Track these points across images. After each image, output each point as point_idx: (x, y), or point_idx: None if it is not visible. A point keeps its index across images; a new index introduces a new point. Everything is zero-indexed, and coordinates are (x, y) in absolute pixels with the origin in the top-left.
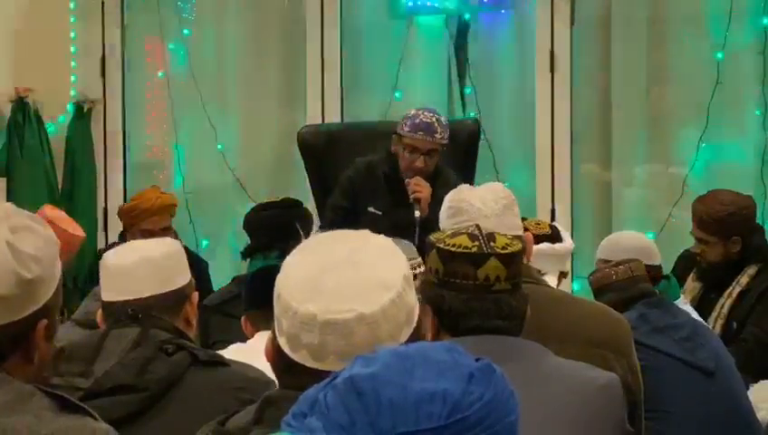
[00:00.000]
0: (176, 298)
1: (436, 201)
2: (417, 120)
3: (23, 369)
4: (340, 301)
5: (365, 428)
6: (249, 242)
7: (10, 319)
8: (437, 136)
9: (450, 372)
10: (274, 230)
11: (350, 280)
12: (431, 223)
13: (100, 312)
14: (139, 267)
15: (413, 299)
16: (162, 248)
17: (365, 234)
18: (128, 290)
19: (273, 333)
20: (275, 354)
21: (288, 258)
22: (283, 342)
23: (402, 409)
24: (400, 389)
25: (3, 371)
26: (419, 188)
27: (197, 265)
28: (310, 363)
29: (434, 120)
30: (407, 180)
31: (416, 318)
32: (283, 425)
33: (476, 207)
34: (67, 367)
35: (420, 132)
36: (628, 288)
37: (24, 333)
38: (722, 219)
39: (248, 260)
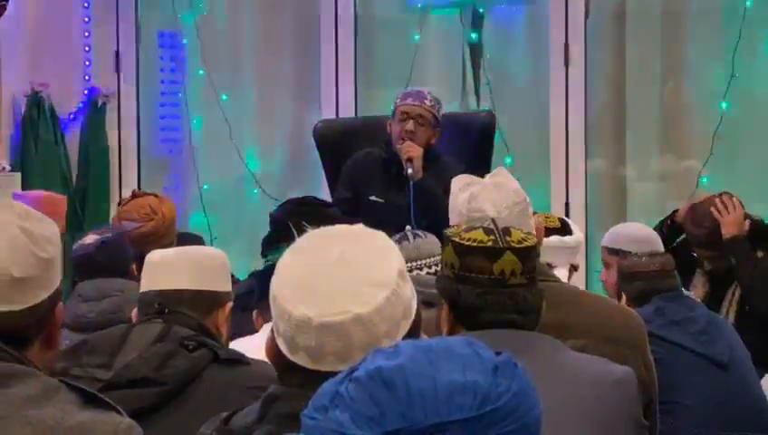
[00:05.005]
0: (208, 300)
1: (428, 181)
2: (408, 91)
3: (42, 356)
4: (335, 303)
5: (396, 418)
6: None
7: (33, 302)
8: (427, 102)
9: (474, 365)
10: (280, 227)
11: (343, 281)
12: (424, 191)
13: (136, 309)
14: (178, 261)
15: (409, 292)
16: (207, 252)
17: (357, 230)
18: (162, 280)
19: (272, 332)
20: (275, 354)
21: (281, 259)
22: (281, 342)
23: (433, 400)
24: (429, 380)
25: (26, 359)
26: (410, 147)
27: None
28: (308, 365)
29: (424, 90)
30: (398, 145)
31: (414, 310)
32: (305, 419)
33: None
34: (89, 359)
35: (410, 98)
36: (657, 280)
37: (46, 317)
38: (714, 238)
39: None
